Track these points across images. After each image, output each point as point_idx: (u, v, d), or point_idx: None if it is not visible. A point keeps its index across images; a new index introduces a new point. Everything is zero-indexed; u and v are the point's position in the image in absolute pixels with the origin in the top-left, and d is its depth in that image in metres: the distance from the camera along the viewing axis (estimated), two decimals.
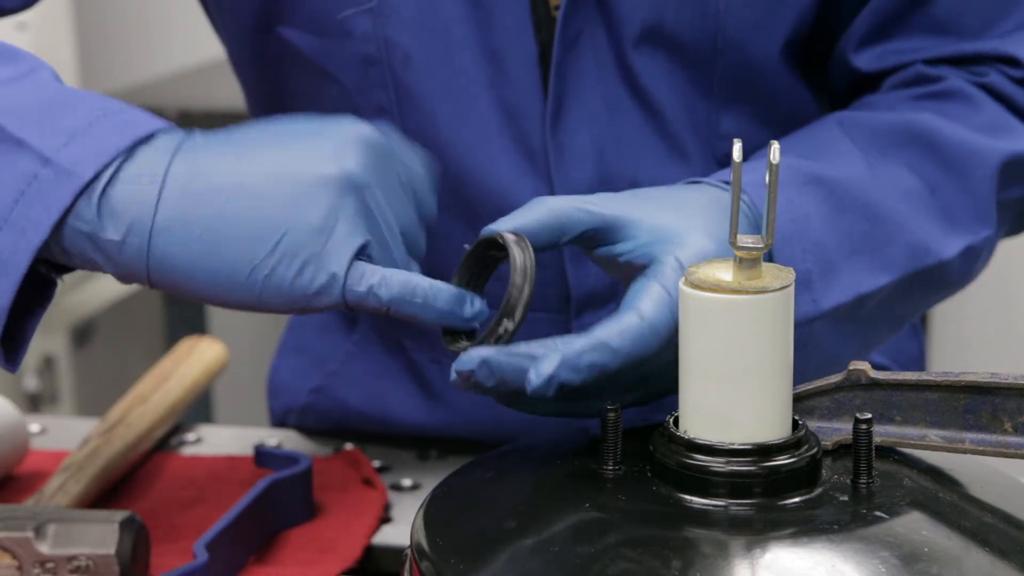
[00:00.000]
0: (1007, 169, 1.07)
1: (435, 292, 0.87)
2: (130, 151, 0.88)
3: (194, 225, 0.87)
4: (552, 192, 1.11)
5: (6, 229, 0.88)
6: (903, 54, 1.11)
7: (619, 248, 0.89)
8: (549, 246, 0.89)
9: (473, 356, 0.84)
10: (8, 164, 0.88)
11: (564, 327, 1.14)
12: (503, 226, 0.87)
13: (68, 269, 0.93)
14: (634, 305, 0.86)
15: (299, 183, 0.88)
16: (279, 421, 1.29)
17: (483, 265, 0.89)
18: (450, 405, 1.20)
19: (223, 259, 0.87)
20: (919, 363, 1.31)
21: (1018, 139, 1.09)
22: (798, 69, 1.15)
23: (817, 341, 0.97)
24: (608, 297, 1.14)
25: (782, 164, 0.99)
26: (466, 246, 0.89)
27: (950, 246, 1.04)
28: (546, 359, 0.84)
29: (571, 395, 0.86)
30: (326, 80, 1.11)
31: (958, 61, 1.11)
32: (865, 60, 1.12)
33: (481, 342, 0.86)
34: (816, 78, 1.17)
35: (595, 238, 0.89)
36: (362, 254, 0.88)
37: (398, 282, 0.87)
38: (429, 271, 0.99)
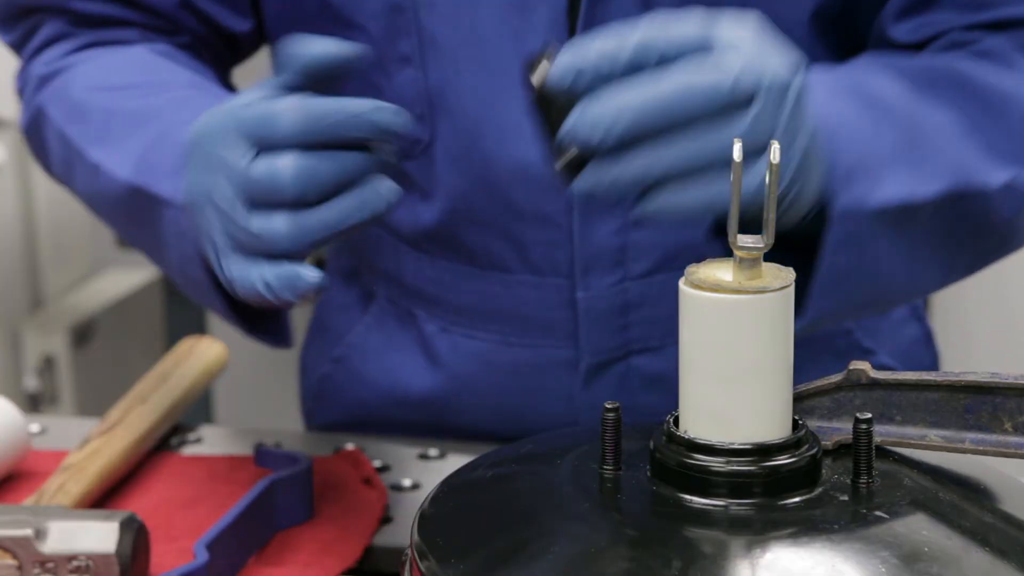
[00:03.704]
0: None
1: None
2: None
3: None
4: None
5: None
6: (940, 25, 1.10)
7: None
8: None
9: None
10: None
11: (570, 292, 1.15)
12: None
13: None
14: None
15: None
16: (308, 398, 1.32)
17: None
18: (453, 374, 1.21)
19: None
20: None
21: None
22: (832, 46, 1.14)
23: (863, 243, 0.96)
24: (615, 260, 1.14)
25: (819, 79, 0.97)
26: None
27: (994, 175, 1.02)
28: None
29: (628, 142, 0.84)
30: (353, 31, 1.12)
31: (995, 26, 1.09)
32: (902, 32, 1.10)
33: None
34: (851, 56, 1.16)
35: None
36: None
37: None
38: (447, 225, 1.06)
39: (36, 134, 1.16)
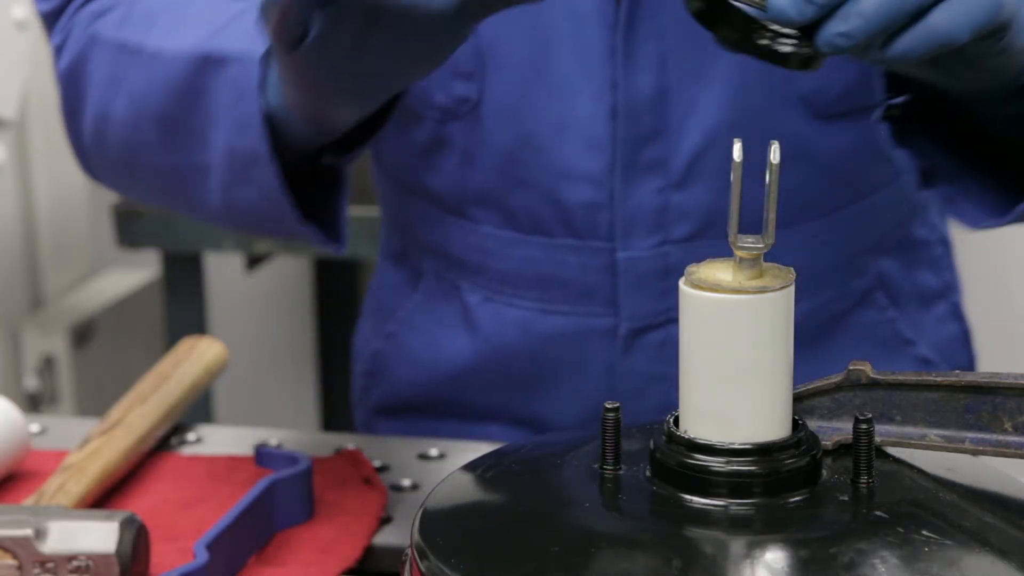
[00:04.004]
0: None
1: None
2: None
3: None
4: (614, 100, 1.13)
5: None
6: None
7: None
8: None
9: None
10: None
11: (610, 256, 1.15)
12: None
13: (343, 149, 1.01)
14: None
15: None
16: (360, 377, 1.33)
17: None
18: (494, 344, 1.23)
19: None
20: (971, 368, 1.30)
21: None
22: None
23: None
24: (655, 222, 1.15)
25: None
26: None
27: None
28: None
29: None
30: None
31: None
32: None
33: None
34: None
35: None
36: None
37: None
38: (491, 187, 1.07)
39: (78, 70, 1.12)
